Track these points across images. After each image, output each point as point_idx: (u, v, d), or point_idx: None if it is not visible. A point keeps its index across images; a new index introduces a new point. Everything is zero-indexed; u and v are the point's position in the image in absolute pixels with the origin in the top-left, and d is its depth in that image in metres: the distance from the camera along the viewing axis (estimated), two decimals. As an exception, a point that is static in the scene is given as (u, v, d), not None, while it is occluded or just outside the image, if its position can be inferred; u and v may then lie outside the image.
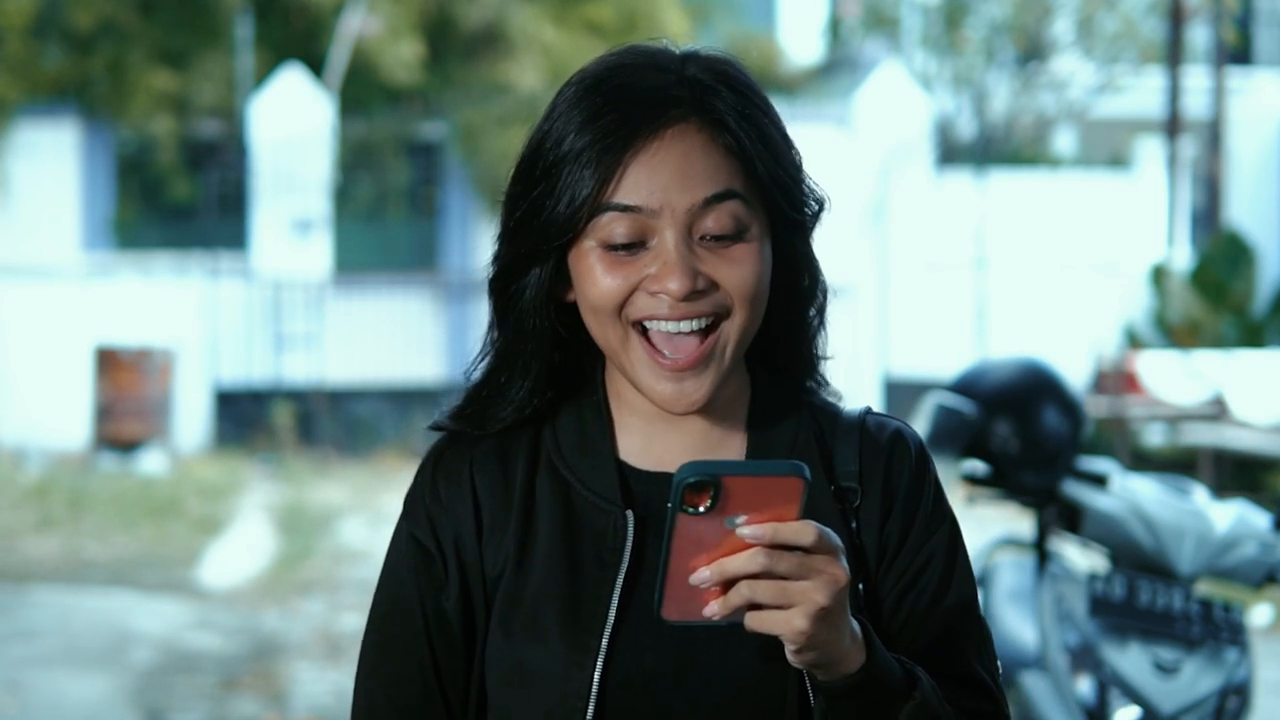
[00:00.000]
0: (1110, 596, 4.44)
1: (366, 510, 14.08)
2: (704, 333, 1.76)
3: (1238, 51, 22.14)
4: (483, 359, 1.86)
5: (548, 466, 1.83)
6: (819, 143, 18.17)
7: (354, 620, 9.76)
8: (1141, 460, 13.81)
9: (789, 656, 1.63)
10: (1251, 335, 16.19)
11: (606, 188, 1.74)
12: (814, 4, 25.76)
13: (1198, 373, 14.68)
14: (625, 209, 1.74)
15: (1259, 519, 4.52)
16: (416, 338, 19.42)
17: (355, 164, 20.22)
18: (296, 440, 18.17)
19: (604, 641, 1.75)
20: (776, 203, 1.78)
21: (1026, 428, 4.60)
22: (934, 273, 19.81)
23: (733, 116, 1.76)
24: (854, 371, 18.44)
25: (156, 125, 19.45)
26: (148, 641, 9.22)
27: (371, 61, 19.75)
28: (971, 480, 4.65)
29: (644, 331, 1.77)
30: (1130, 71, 21.03)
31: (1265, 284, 18.03)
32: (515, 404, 1.83)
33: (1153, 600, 4.45)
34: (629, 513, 1.79)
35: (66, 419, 18.00)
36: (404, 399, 18.88)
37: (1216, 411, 14.13)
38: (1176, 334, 16.45)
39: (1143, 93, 21.43)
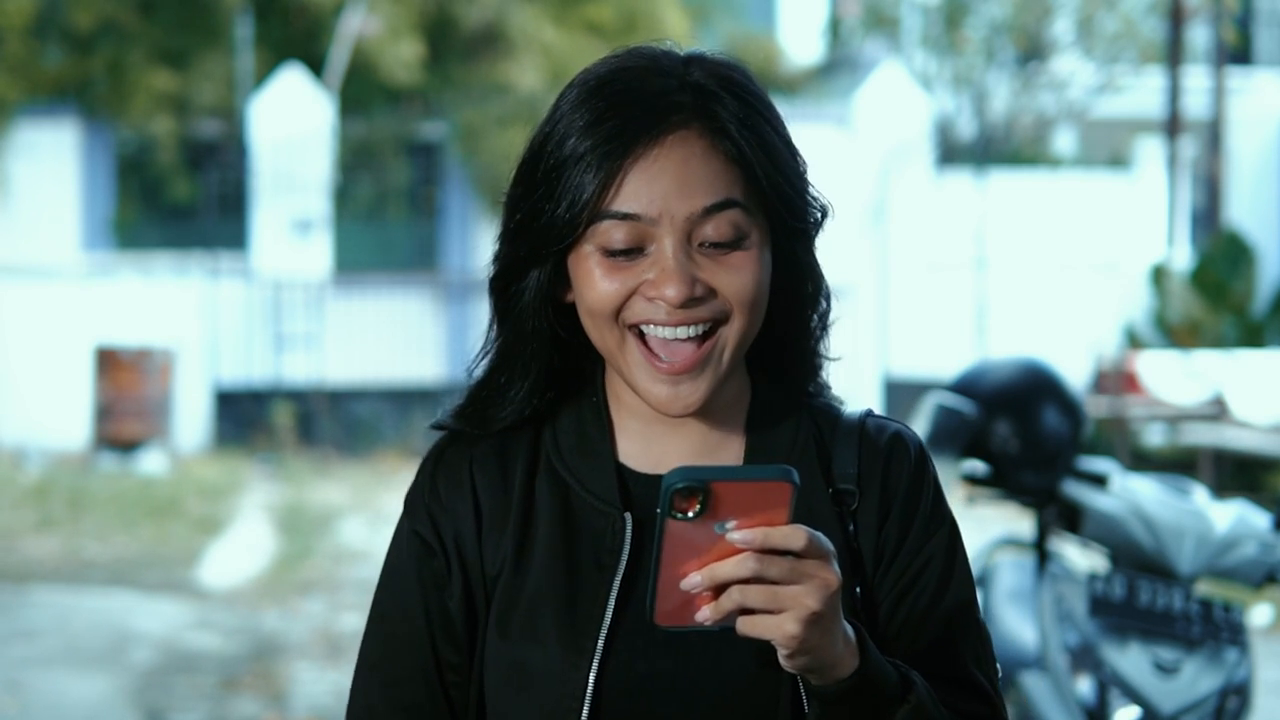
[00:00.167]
0: (1110, 596, 4.44)
1: (366, 510, 14.08)
2: (701, 338, 1.76)
3: (1238, 51, 22.14)
4: (483, 359, 1.86)
5: (547, 467, 1.83)
6: (819, 143, 18.17)
7: (354, 620, 9.76)
8: (1141, 460, 13.81)
9: (781, 661, 1.62)
10: (1251, 335, 16.19)
11: (606, 193, 1.74)
12: (814, 4, 25.76)
13: (1198, 373, 14.68)
14: (624, 217, 1.74)
15: (1259, 519, 4.52)
16: (416, 338, 19.42)
17: (355, 164, 20.22)
18: (296, 440, 18.17)
19: (600, 643, 1.75)
20: (777, 211, 1.78)
21: (1026, 428, 4.60)
22: (934, 273, 19.81)
23: (734, 124, 1.76)
24: (854, 372, 18.44)
25: (156, 125, 19.45)
26: (148, 641, 9.22)
27: (371, 61, 19.75)
28: (971, 480, 4.65)
29: (641, 335, 1.77)
30: (1130, 71, 21.03)
31: (1265, 284, 18.03)
32: (515, 404, 1.84)
33: (1153, 600, 4.45)
34: (627, 515, 1.79)
35: (66, 419, 18.00)
36: (404, 399, 18.88)
37: (1216, 411, 14.14)
38: (1176, 334, 16.45)
39: (1143, 93, 21.43)
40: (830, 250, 1.88)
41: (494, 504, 1.83)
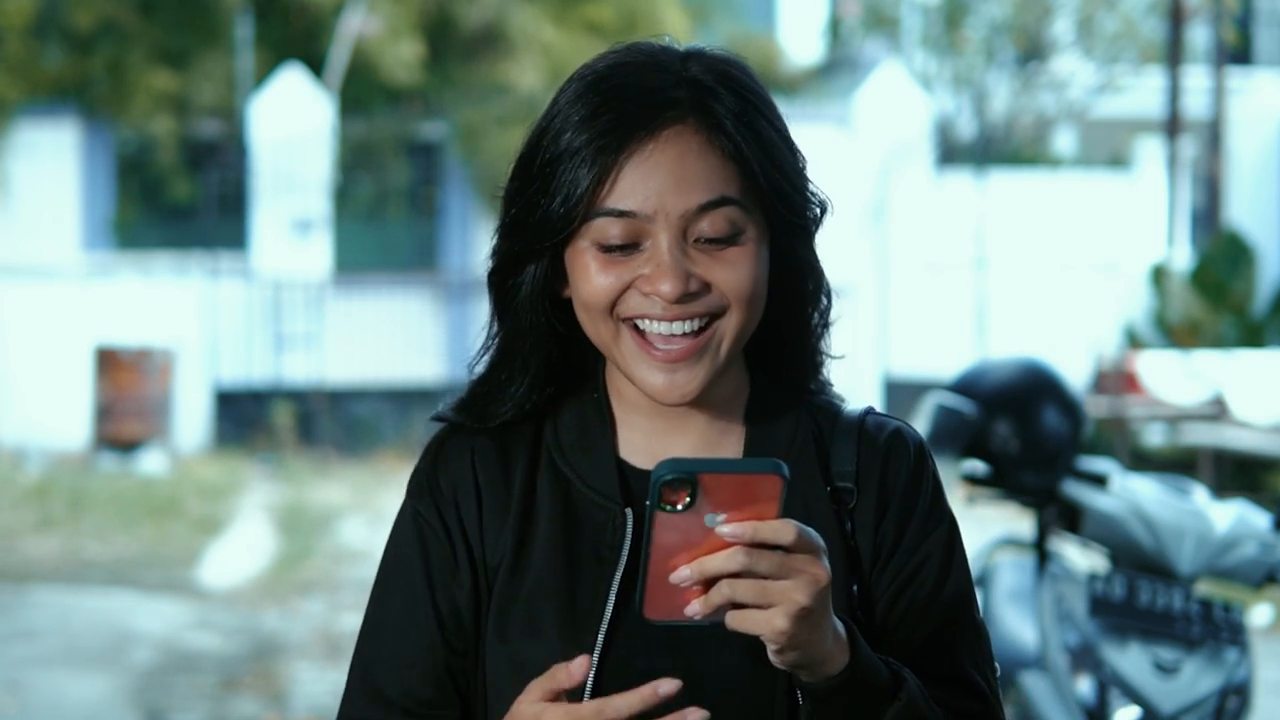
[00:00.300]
0: (1110, 596, 4.44)
1: (366, 510, 14.08)
2: (698, 333, 1.76)
3: (1238, 51, 22.14)
4: (484, 354, 1.86)
5: (548, 463, 1.84)
6: (819, 143, 18.17)
7: (354, 620, 9.75)
8: (1141, 460, 13.81)
9: (771, 657, 1.62)
10: (1251, 335, 16.19)
11: (601, 188, 1.74)
12: (814, 4, 25.75)
13: (1198, 373, 14.69)
14: (620, 214, 1.74)
15: (1259, 519, 4.52)
16: (416, 338, 19.42)
17: (355, 164, 20.22)
18: (296, 440, 18.17)
19: (600, 638, 1.75)
20: (774, 207, 1.78)
21: (1026, 428, 4.60)
22: (934, 273, 19.82)
23: (730, 120, 1.76)
24: (854, 371, 18.43)
25: (156, 125, 19.45)
26: (148, 641, 9.22)
27: (371, 61, 19.76)
28: (971, 480, 4.65)
29: (636, 328, 1.77)
30: (1130, 71, 21.03)
31: (1265, 284, 18.03)
32: (515, 400, 1.84)
33: (1153, 600, 4.45)
34: (628, 510, 1.79)
35: (66, 419, 18.00)
36: (404, 399, 18.88)
37: (1216, 411, 14.14)
38: (1176, 334, 16.45)
39: (1143, 93, 21.43)
40: (830, 250, 1.88)
41: (495, 496, 1.83)
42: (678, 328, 1.75)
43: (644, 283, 1.75)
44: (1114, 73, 20.91)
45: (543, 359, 1.83)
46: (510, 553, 1.80)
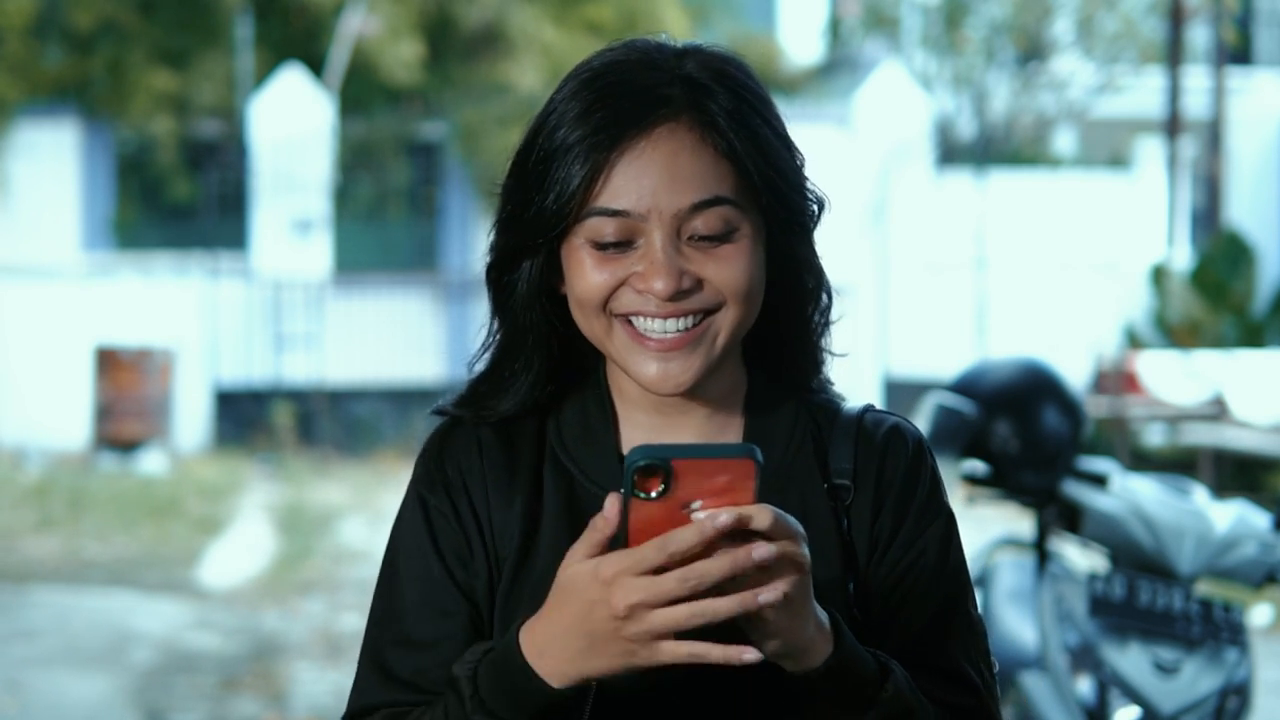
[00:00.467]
0: (1110, 596, 4.44)
1: (366, 510, 14.08)
2: (692, 329, 1.77)
3: (1238, 51, 22.14)
4: (485, 351, 1.86)
5: (551, 458, 1.84)
6: (819, 143, 18.17)
7: (354, 620, 9.76)
8: (1141, 460, 13.81)
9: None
10: (1251, 335, 16.19)
11: (594, 186, 1.74)
12: (814, 4, 25.76)
13: (1198, 373, 14.68)
14: (614, 213, 1.74)
15: (1259, 519, 4.52)
16: (416, 338, 19.42)
17: (355, 164, 20.22)
18: (296, 440, 18.18)
19: None
20: (770, 205, 1.78)
21: (1026, 428, 4.60)
22: (934, 273, 19.82)
23: (724, 117, 1.76)
24: (854, 371, 18.44)
25: (156, 125, 19.45)
26: (148, 641, 9.22)
27: (371, 61, 19.76)
28: (971, 480, 4.65)
29: (630, 323, 1.77)
30: (1130, 71, 21.03)
31: (1265, 284, 18.03)
32: (518, 397, 1.84)
33: (1153, 600, 4.45)
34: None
35: (66, 419, 18.00)
36: (404, 399, 18.88)
37: (1216, 411, 14.14)
38: (1176, 334, 16.45)
39: (1143, 93, 21.44)
40: (830, 250, 1.88)
41: (501, 487, 1.83)
42: (671, 325, 1.76)
43: (637, 280, 1.75)
44: (1114, 73, 20.92)
45: (545, 355, 1.83)
46: (517, 546, 1.80)
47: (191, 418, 18.48)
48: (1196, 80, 20.66)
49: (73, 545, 12.33)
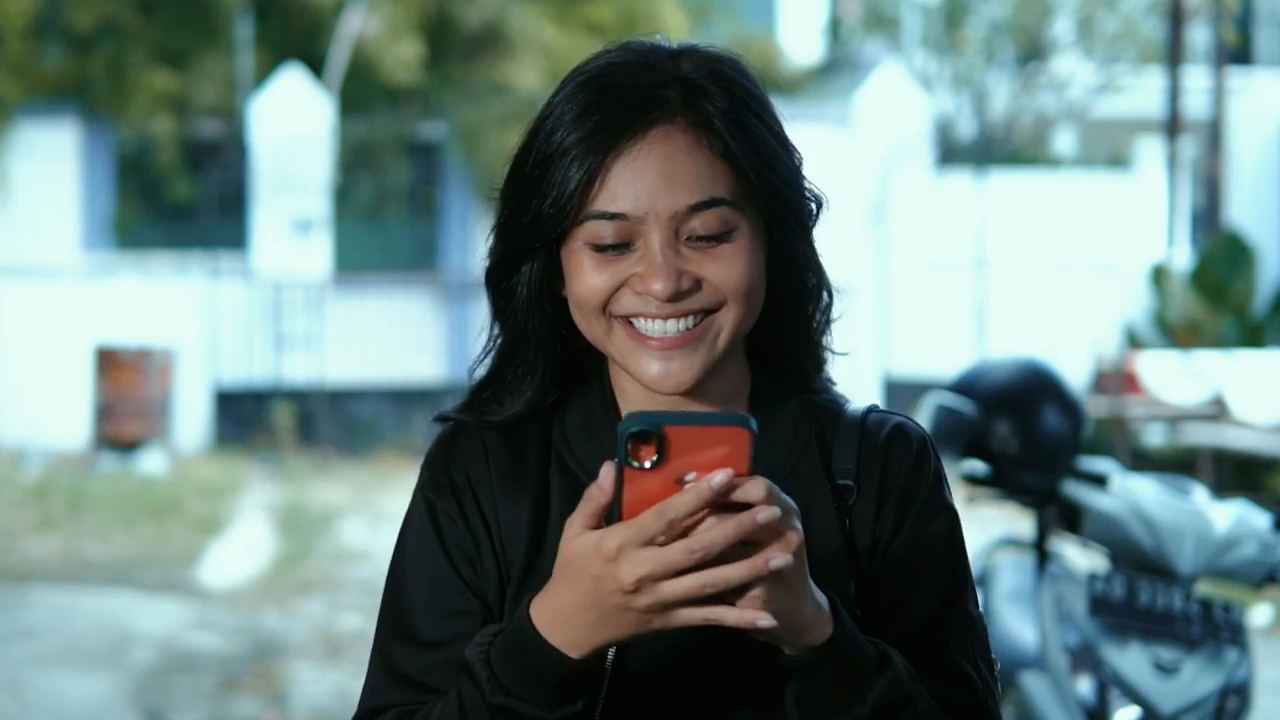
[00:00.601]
0: (1110, 596, 4.45)
1: (366, 510, 14.09)
2: (693, 328, 1.77)
3: (1238, 51, 22.13)
4: (485, 356, 1.87)
5: (557, 460, 1.84)
6: (819, 143, 18.17)
7: (354, 620, 9.76)
8: (1141, 460, 13.81)
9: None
10: (1251, 335, 16.19)
11: (591, 189, 1.75)
12: (814, 4, 25.76)
13: (1198, 373, 14.68)
14: (611, 217, 1.75)
15: (1259, 519, 4.52)
16: (416, 338, 19.42)
17: (355, 164, 20.22)
18: (296, 440, 18.18)
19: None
20: (769, 205, 1.78)
21: (1026, 428, 4.60)
22: (934, 273, 19.82)
23: (719, 118, 1.76)
24: (854, 372, 18.43)
25: (156, 125, 19.45)
26: (148, 641, 9.22)
27: (371, 61, 19.75)
28: (971, 480, 4.65)
29: (630, 324, 1.78)
30: (1130, 71, 21.03)
31: (1265, 284, 18.03)
32: (522, 400, 1.85)
33: (1153, 600, 4.45)
34: None
35: (66, 419, 18.00)
36: (404, 399, 18.88)
37: (1216, 411, 14.13)
38: (1176, 334, 16.45)
39: (1143, 93, 21.43)
40: (830, 250, 1.88)
41: (508, 490, 1.83)
42: (672, 326, 1.76)
43: (636, 282, 1.76)
44: (1114, 73, 20.91)
45: (550, 358, 1.84)
46: (525, 548, 1.81)
47: (191, 418, 18.48)
48: (1196, 80, 20.65)
49: (73, 545, 12.32)
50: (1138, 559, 4.53)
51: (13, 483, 15.13)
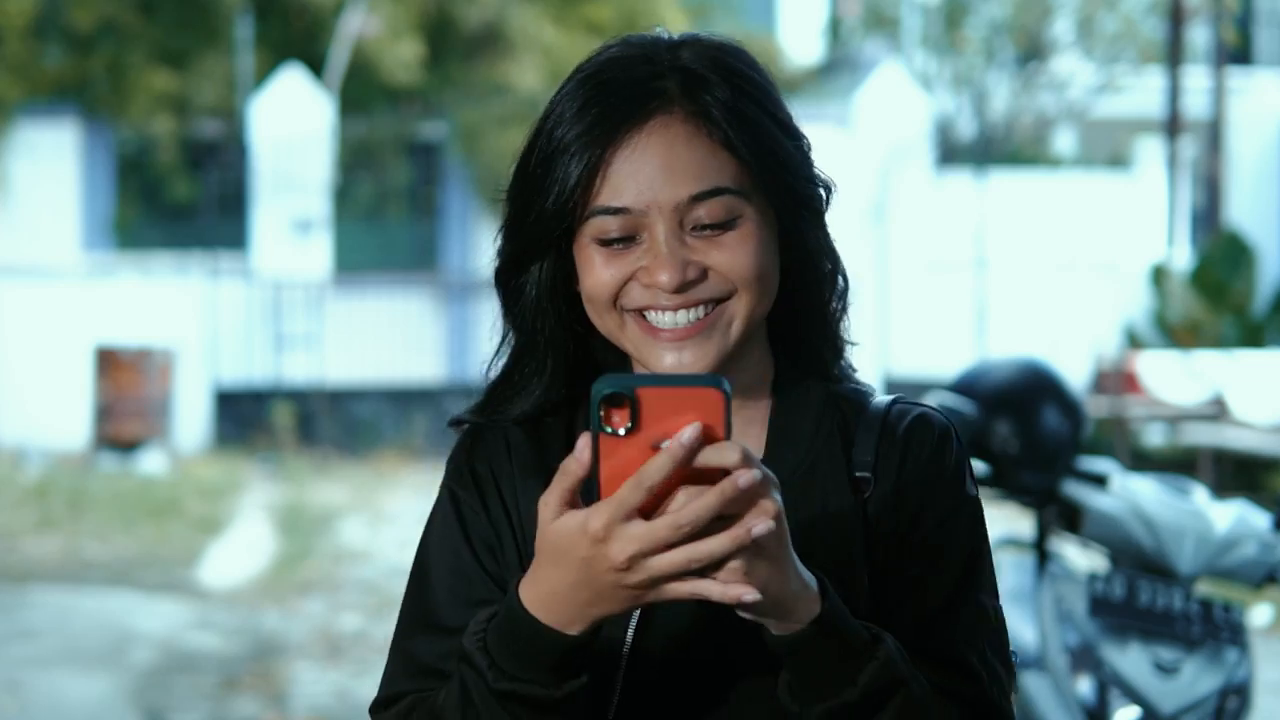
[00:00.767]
0: (1110, 596, 4.45)
1: (366, 510, 14.09)
2: (704, 318, 1.77)
3: (1238, 51, 22.13)
4: (497, 356, 1.87)
5: None
6: (819, 143, 18.05)
7: (354, 620, 9.76)
8: (1141, 460, 13.81)
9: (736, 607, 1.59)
10: (1251, 335, 16.19)
11: (593, 183, 1.75)
12: (814, 4, 25.76)
13: (1198, 373, 14.68)
14: (614, 211, 1.75)
15: (1259, 519, 4.52)
16: (416, 338, 19.42)
17: (355, 164, 20.22)
18: (296, 440, 18.17)
19: (633, 619, 1.74)
20: (774, 192, 1.78)
21: (1026, 428, 4.60)
22: (934, 273, 19.82)
23: (718, 107, 1.75)
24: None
25: (156, 125, 19.46)
26: (148, 641, 9.21)
27: (371, 61, 19.76)
28: (971, 480, 4.64)
29: (643, 316, 1.78)
30: (1130, 71, 21.03)
31: (1265, 284, 18.03)
32: (532, 399, 1.85)
33: (1153, 600, 4.45)
34: None
35: (66, 419, 18.00)
36: (404, 399, 18.88)
37: (1216, 411, 14.13)
38: (1176, 334, 16.45)
39: (1143, 93, 21.43)
40: (830, 248, 1.87)
41: (530, 485, 1.82)
42: (682, 317, 1.76)
43: (644, 274, 1.76)
44: (1114, 73, 20.92)
45: (560, 356, 1.84)
46: None
47: (191, 418, 18.48)
48: (1196, 80, 20.65)
49: (73, 545, 12.32)
50: (1138, 559, 4.53)
51: (13, 483, 15.13)
